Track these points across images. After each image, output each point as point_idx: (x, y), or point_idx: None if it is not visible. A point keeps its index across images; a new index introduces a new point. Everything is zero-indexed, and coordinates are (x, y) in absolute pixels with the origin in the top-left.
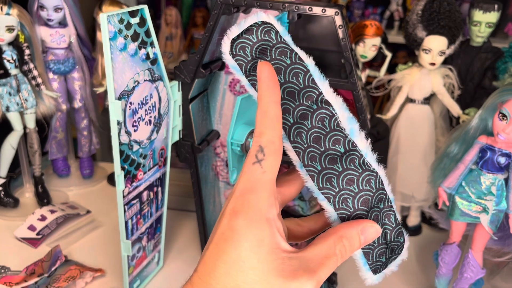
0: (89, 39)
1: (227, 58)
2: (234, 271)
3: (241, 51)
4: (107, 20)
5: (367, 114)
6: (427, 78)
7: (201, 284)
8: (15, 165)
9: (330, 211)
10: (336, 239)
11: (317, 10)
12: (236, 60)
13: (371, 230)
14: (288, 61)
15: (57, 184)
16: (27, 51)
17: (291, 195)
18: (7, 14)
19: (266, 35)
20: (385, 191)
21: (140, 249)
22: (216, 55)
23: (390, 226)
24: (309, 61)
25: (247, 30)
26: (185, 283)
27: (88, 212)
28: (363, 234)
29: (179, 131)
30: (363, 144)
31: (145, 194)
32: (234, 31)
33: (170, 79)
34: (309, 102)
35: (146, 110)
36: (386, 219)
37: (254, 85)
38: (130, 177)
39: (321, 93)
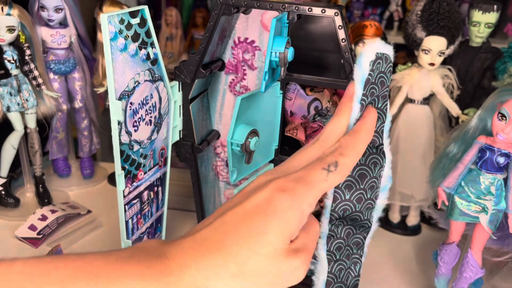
0: (89, 39)
1: (365, 66)
2: (253, 241)
3: (374, 70)
4: (108, 20)
5: None
6: (426, 78)
7: (211, 236)
8: (15, 165)
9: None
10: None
11: (317, 11)
12: (369, 74)
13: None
14: (379, 105)
15: (58, 184)
16: (27, 52)
17: None
18: (8, 14)
19: (388, 73)
20: (364, 242)
21: None
22: (216, 55)
23: (353, 273)
24: (389, 113)
25: (384, 57)
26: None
27: (89, 212)
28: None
29: (179, 131)
30: (379, 201)
31: (145, 194)
32: (379, 47)
33: (171, 79)
34: (371, 145)
35: (146, 110)
36: (352, 265)
37: (361, 103)
38: (130, 177)
39: (382, 144)
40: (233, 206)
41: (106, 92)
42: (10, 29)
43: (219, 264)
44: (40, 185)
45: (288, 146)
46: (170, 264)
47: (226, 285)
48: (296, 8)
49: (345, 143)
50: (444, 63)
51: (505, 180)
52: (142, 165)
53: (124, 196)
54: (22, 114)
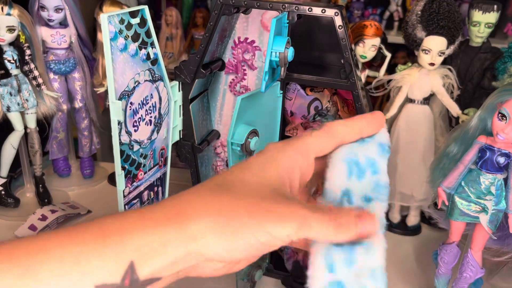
0: (89, 39)
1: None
2: (236, 170)
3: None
4: (108, 20)
5: None
6: (426, 78)
7: (200, 183)
8: (16, 165)
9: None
10: (336, 208)
11: (317, 11)
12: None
13: (368, 221)
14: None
15: (58, 184)
16: (27, 52)
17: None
18: (8, 14)
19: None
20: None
21: None
22: (216, 55)
23: None
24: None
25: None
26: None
27: (89, 211)
28: (360, 220)
29: (180, 131)
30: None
31: (145, 194)
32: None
33: (171, 79)
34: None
35: (146, 110)
36: None
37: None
38: (130, 177)
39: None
40: None
41: (106, 92)
42: (10, 29)
43: (200, 188)
44: (40, 185)
45: None
46: (156, 204)
47: (204, 201)
48: (296, 8)
49: (341, 120)
50: (444, 63)
51: (505, 180)
52: (142, 165)
53: (124, 196)
54: (22, 114)
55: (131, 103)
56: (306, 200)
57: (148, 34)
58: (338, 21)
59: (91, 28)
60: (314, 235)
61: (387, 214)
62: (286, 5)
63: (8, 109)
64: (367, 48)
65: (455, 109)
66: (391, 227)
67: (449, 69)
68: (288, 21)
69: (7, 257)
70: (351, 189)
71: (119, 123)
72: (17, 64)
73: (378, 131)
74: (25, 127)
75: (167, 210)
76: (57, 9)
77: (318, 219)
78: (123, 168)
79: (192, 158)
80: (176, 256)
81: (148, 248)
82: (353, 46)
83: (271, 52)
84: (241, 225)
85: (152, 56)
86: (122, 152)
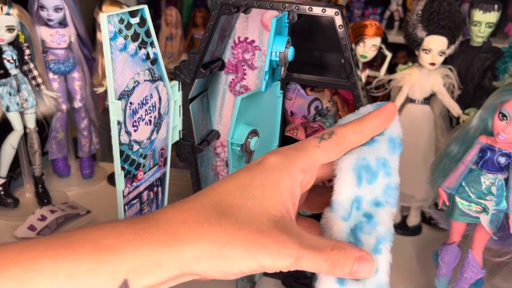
0: (89, 39)
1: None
2: (237, 193)
3: None
4: (107, 20)
5: None
6: (427, 78)
7: (198, 195)
8: (15, 165)
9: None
10: (336, 246)
11: (317, 10)
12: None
13: (367, 265)
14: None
15: (57, 184)
16: (27, 51)
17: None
18: (7, 14)
19: None
20: None
21: None
22: (216, 55)
23: None
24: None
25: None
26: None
27: (89, 212)
28: (359, 262)
29: (179, 131)
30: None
31: (145, 194)
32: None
33: (170, 79)
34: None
35: (146, 110)
36: None
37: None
38: (130, 177)
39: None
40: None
41: (105, 92)
42: (10, 29)
43: (198, 210)
44: (40, 185)
45: None
46: (148, 216)
47: (202, 230)
48: (297, 7)
49: (350, 121)
50: (444, 62)
51: (506, 180)
52: (141, 165)
53: (124, 196)
54: (22, 114)
55: (130, 103)
56: (307, 208)
57: (147, 33)
58: (338, 20)
59: (91, 28)
60: (308, 269)
61: None
62: (286, 4)
63: (8, 109)
64: (368, 48)
65: (455, 109)
66: None
67: (450, 69)
68: (288, 20)
69: None
70: (361, 195)
71: (118, 123)
72: (17, 64)
73: (390, 124)
74: (25, 127)
75: (163, 232)
76: (57, 9)
77: (313, 258)
78: (123, 168)
79: (192, 158)
80: (170, 275)
81: (143, 269)
82: (353, 45)
83: (271, 51)
84: (236, 257)
85: (151, 55)
86: (121, 152)
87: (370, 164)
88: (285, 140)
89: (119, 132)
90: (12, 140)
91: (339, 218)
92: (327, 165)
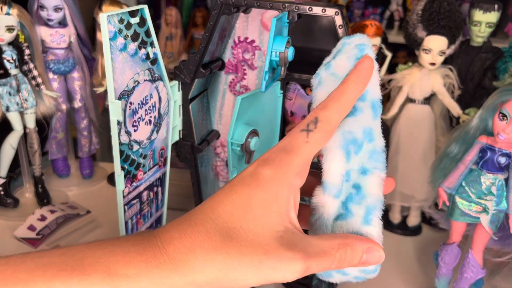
0: (89, 39)
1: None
2: (238, 213)
3: None
4: (107, 20)
5: None
6: (427, 78)
7: (199, 217)
8: (15, 165)
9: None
10: (342, 243)
11: (317, 10)
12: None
13: (375, 254)
14: None
15: (57, 184)
16: (27, 51)
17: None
18: (7, 14)
19: None
20: None
21: None
22: (216, 55)
23: None
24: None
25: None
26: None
27: (88, 212)
28: (367, 253)
29: (179, 131)
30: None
31: (145, 194)
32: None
33: (170, 79)
34: None
35: (146, 110)
36: None
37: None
38: (130, 177)
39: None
40: (223, 186)
41: (105, 92)
42: (9, 29)
43: (202, 236)
44: (40, 185)
45: None
46: (155, 240)
47: (209, 257)
48: (297, 7)
49: (329, 96)
50: (445, 62)
51: (506, 180)
52: (141, 165)
53: (124, 196)
54: (22, 114)
55: (130, 103)
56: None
57: (147, 33)
58: (338, 20)
59: (91, 28)
60: (317, 272)
61: (387, 214)
62: (286, 4)
63: (7, 109)
64: None
65: (455, 109)
66: (391, 227)
67: (450, 69)
68: (288, 20)
69: None
70: (350, 168)
71: (118, 123)
72: (16, 63)
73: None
74: (24, 127)
75: (173, 260)
76: (57, 9)
77: (321, 264)
78: (123, 168)
79: (192, 158)
80: None
81: None
82: None
83: (271, 51)
84: (246, 279)
85: (151, 55)
86: (121, 152)
87: (357, 137)
88: None
89: (119, 132)
90: (12, 140)
91: (331, 197)
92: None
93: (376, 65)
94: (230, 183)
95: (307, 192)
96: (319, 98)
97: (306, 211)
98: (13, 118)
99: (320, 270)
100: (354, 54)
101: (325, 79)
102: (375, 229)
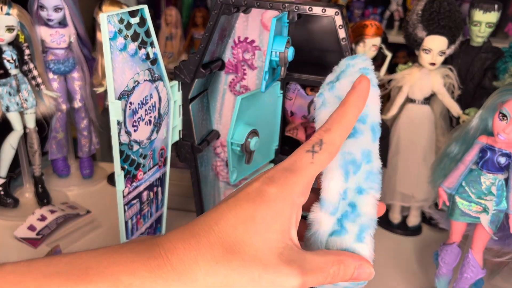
0: (89, 39)
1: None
2: (241, 228)
3: None
4: (107, 20)
5: None
6: (427, 78)
7: (202, 228)
8: (15, 165)
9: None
10: (336, 260)
11: (317, 10)
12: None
13: (366, 270)
14: None
15: (57, 184)
16: (27, 51)
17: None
18: (7, 14)
19: None
20: None
21: None
22: (216, 55)
23: None
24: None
25: None
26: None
27: (88, 212)
28: (358, 269)
29: (179, 131)
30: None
31: (145, 194)
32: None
33: (170, 79)
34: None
35: (146, 110)
36: None
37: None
38: (130, 177)
39: None
40: (227, 199)
41: (105, 92)
42: (9, 29)
43: (206, 248)
44: (40, 185)
45: (288, 146)
46: (159, 250)
47: (211, 269)
48: (297, 7)
49: (331, 118)
50: (445, 62)
51: (506, 180)
52: (141, 165)
53: (124, 196)
54: (22, 114)
55: (130, 103)
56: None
57: (147, 33)
58: (338, 20)
59: (91, 28)
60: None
61: (387, 214)
62: (286, 4)
63: (7, 109)
64: (368, 48)
65: (455, 109)
66: (391, 227)
67: (450, 69)
68: (288, 20)
69: None
70: (347, 187)
71: (118, 123)
72: (16, 63)
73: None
74: (24, 127)
75: (177, 271)
76: (57, 9)
77: (316, 279)
78: (123, 168)
79: (192, 158)
80: None
81: None
82: (353, 45)
83: (271, 51)
84: None
85: (151, 55)
86: (121, 152)
87: (356, 158)
88: (285, 140)
89: (119, 132)
90: (12, 140)
91: (327, 214)
92: None
93: (378, 91)
94: (235, 197)
95: (305, 206)
96: (322, 118)
97: (302, 225)
98: (13, 118)
99: (315, 285)
100: (356, 76)
101: (329, 100)
102: (367, 246)
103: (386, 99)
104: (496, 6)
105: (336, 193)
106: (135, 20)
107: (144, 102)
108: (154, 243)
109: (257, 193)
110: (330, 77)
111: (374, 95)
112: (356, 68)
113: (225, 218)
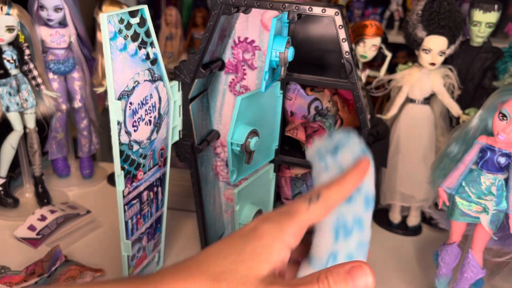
0: (89, 39)
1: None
2: (231, 259)
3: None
4: (107, 20)
5: (367, 114)
6: (427, 78)
7: (196, 261)
8: (15, 165)
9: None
10: (323, 274)
11: (317, 10)
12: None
13: (358, 272)
14: None
15: (57, 184)
16: (27, 51)
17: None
18: (7, 14)
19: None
20: None
21: (140, 249)
22: (216, 55)
23: None
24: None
25: None
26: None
27: (88, 212)
28: (350, 274)
29: (179, 131)
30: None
31: (145, 194)
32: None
33: (170, 79)
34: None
35: (146, 110)
36: None
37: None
38: (130, 177)
39: None
40: (226, 236)
41: (105, 92)
42: (10, 29)
43: (195, 277)
44: (40, 185)
45: (288, 146)
46: (149, 282)
47: None
48: (297, 7)
49: (333, 181)
50: (445, 62)
51: (506, 180)
52: (141, 165)
53: (124, 197)
54: (22, 114)
55: (130, 103)
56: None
57: (147, 33)
58: (338, 20)
59: (91, 28)
60: None
61: (387, 214)
62: (286, 4)
63: (7, 109)
64: (368, 48)
65: (455, 109)
66: (391, 227)
67: (450, 69)
68: (288, 20)
69: None
70: (337, 249)
71: (118, 123)
72: (16, 64)
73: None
74: (24, 127)
75: None
76: (57, 9)
77: None
78: (123, 168)
79: (192, 158)
80: None
81: None
82: (353, 45)
83: (271, 51)
84: None
85: (151, 55)
86: (121, 152)
87: (347, 223)
88: (285, 140)
89: (119, 132)
90: (12, 140)
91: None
92: None
93: (372, 169)
94: (233, 234)
95: (294, 256)
96: (323, 181)
97: (292, 271)
98: (13, 118)
99: None
100: (357, 152)
101: (331, 167)
102: None
103: (386, 99)
104: (496, 6)
105: (325, 250)
106: (135, 20)
107: (144, 102)
108: (145, 282)
109: (251, 229)
110: (331, 145)
111: (370, 172)
112: (356, 144)
113: (218, 251)
